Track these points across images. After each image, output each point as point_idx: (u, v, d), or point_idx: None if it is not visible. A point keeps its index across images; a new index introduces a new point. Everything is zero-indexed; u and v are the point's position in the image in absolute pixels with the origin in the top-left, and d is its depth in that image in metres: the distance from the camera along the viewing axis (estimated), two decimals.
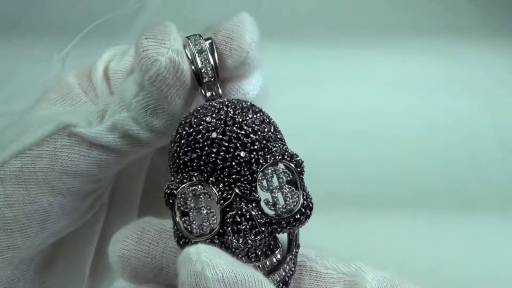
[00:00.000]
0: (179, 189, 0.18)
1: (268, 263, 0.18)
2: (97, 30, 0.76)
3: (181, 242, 0.18)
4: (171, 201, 0.18)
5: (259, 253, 0.18)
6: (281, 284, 0.18)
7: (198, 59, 0.20)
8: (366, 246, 0.48)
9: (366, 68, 0.69)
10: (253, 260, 0.18)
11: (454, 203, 0.53)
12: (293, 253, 0.19)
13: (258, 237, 0.18)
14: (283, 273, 0.18)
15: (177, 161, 0.19)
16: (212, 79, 0.20)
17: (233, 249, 0.18)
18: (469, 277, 0.46)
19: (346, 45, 0.72)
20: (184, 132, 0.19)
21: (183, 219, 0.18)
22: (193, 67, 0.20)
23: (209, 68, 0.20)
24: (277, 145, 0.19)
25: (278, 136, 0.20)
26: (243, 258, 0.18)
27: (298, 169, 0.19)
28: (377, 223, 0.51)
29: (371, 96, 0.65)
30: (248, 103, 0.20)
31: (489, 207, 0.53)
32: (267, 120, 0.20)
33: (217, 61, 0.20)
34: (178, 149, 0.19)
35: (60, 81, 0.24)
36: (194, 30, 0.21)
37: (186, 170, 0.19)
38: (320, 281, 0.19)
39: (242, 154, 0.18)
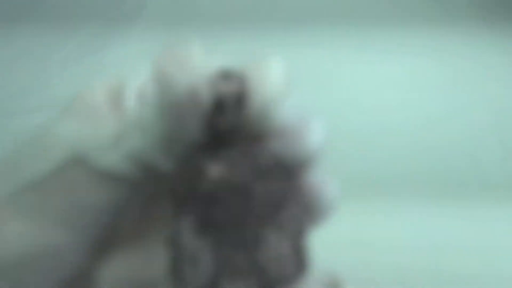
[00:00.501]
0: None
1: None
2: (97, 29, 0.76)
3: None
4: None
5: None
6: None
7: (220, 86, 0.18)
8: (366, 241, 0.48)
9: (365, 66, 0.69)
10: None
11: (454, 202, 0.53)
12: None
13: None
14: None
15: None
16: (232, 115, 0.18)
17: None
18: (467, 276, 0.46)
19: (345, 44, 0.72)
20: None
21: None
22: (213, 96, 0.18)
23: (231, 99, 0.18)
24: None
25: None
26: None
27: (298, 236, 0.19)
28: (378, 219, 0.51)
29: (370, 94, 0.65)
30: None
31: (489, 206, 0.53)
32: None
33: (245, 96, 0.18)
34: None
35: (87, 94, 0.22)
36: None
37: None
38: None
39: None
